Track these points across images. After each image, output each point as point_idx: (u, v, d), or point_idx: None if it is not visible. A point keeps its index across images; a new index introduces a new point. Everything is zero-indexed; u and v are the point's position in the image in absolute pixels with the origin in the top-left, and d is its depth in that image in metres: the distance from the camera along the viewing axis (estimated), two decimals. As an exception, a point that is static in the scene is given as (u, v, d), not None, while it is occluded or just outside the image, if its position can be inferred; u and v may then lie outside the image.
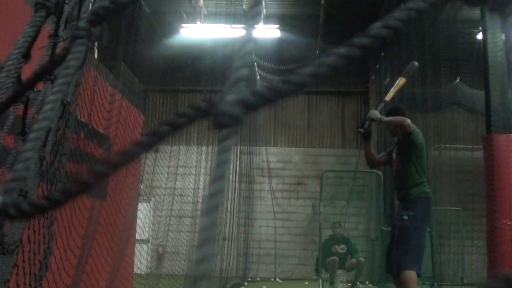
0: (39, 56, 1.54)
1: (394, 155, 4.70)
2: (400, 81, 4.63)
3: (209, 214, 0.39)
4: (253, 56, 12.51)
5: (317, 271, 9.97)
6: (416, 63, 4.82)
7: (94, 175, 0.54)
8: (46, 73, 1.01)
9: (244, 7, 10.88)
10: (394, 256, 4.39)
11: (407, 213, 4.29)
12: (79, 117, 4.41)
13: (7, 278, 2.01)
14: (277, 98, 0.42)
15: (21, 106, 1.49)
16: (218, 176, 0.40)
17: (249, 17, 0.47)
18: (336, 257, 9.80)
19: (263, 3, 11.67)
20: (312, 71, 0.41)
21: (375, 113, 4.52)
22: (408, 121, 4.39)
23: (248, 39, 0.46)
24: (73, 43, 0.71)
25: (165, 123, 0.49)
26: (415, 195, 4.33)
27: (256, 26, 0.48)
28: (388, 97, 4.62)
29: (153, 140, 0.50)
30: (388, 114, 4.64)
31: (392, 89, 4.65)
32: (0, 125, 1.65)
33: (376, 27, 0.41)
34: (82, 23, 0.69)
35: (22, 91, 1.01)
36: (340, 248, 10.19)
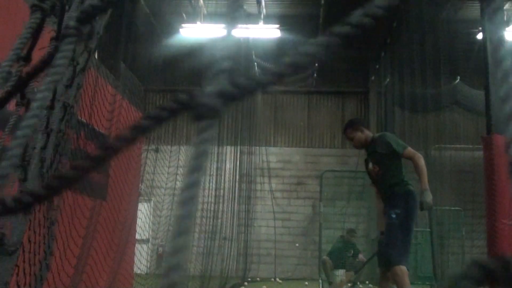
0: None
1: (370, 165, 4.94)
2: None
3: (185, 205, 0.38)
4: (253, 56, 12.52)
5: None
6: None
7: (76, 170, 0.53)
8: (38, 73, 1.01)
9: (244, 7, 10.88)
10: (384, 252, 4.69)
11: (395, 211, 4.57)
12: (79, 117, 4.41)
13: (8, 279, 2.00)
14: (256, 89, 0.42)
15: (23, 108, 1.49)
16: (195, 168, 0.40)
17: (230, 9, 0.46)
18: (327, 257, 9.82)
19: (263, 2, 11.66)
20: (291, 61, 0.41)
21: (428, 198, 4.52)
22: (413, 151, 4.66)
23: (229, 32, 0.45)
24: (62, 41, 0.70)
25: (147, 117, 0.48)
26: (400, 192, 4.62)
27: (237, 18, 0.47)
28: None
29: (135, 133, 0.49)
30: (348, 129, 4.89)
31: None
32: (2, 127, 1.65)
33: (357, 15, 0.40)
34: (71, 22, 0.68)
35: (14, 91, 1.00)
36: (349, 253, 10.22)
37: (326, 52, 0.40)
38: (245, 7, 10.99)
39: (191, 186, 0.39)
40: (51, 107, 1.87)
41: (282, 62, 0.41)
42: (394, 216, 4.53)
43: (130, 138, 0.49)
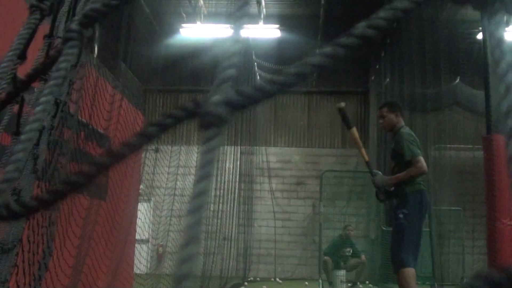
0: (36, 57, 1.54)
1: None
2: (353, 133, 4.79)
3: (194, 213, 0.39)
4: (253, 56, 12.53)
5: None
6: (342, 104, 4.83)
7: (82, 175, 0.54)
8: (40, 73, 1.01)
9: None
10: (391, 254, 4.51)
11: (402, 211, 4.43)
12: (79, 117, 4.41)
13: (6, 277, 2.01)
14: (262, 98, 0.42)
15: (16, 106, 1.49)
16: (203, 176, 0.40)
17: (237, 17, 0.47)
18: (328, 258, 9.86)
19: (263, 2, 11.66)
20: (297, 71, 0.41)
21: (383, 182, 4.56)
22: (420, 161, 4.45)
23: (235, 40, 0.46)
24: (65, 45, 0.71)
25: (152, 124, 0.49)
26: (408, 191, 4.45)
27: (243, 26, 0.47)
28: (366, 157, 4.86)
29: (140, 140, 0.49)
30: (385, 107, 4.75)
31: (360, 149, 4.84)
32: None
33: (361, 27, 0.41)
34: (73, 25, 0.69)
35: (17, 92, 1.01)
36: (347, 252, 10.29)
37: (332, 62, 0.40)
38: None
39: (200, 195, 0.39)
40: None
41: (289, 72, 0.42)
42: (401, 216, 4.38)
43: (136, 145, 0.49)
